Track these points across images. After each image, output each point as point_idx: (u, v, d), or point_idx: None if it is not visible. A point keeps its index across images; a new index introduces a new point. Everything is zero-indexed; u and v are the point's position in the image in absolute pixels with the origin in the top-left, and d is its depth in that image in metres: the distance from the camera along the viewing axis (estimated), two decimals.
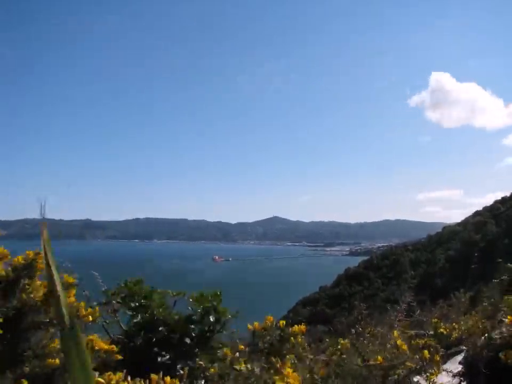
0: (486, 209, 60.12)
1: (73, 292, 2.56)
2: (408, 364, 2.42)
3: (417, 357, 2.48)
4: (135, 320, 3.40)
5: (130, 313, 3.23)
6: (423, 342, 5.93)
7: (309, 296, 62.82)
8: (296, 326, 2.95)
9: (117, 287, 3.27)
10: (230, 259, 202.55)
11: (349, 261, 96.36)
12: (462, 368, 3.60)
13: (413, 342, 5.89)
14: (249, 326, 2.96)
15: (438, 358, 2.49)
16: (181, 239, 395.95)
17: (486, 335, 3.52)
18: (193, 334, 2.91)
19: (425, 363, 2.42)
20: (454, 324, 5.44)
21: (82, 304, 2.59)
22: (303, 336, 2.92)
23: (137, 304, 3.18)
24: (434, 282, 46.54)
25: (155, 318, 3.09)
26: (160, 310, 3.12)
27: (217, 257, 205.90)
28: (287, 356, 2.47)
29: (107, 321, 3.70)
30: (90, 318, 2.56)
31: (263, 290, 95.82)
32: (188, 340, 2.83)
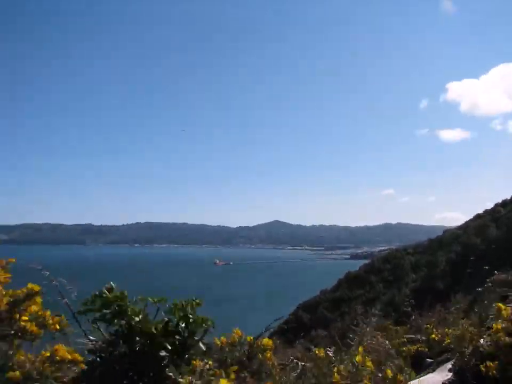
0: (487, 212, 59.93)
1: (39, 300, 2.49)
2: (366, 382, 2.32)
3: (380, 375, 2.37)
4: (114, 328, 3.29)
5: (106, 323, 3.10)
6: (414, 348, 5.84)
7: (309, 299, 62.61)
8: (266, 339, 2.75)
9: (91, 297, 3.12)
10: (231, 263, 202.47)
11: (350, 265, 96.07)
12: (451, 376, 3.51)
13: (404, 348, 5.81)
14: (217, 341, 2.75)
15: (401, 378, 2.38)
16: (181, 243, 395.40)
17: (478, 342, 3.42)
18: (169, 347, 2.75)
19: (387, 382, 2.31)
20: (446, 329, 5.35)
21: (48, 312, 2.50)
22: (271, 351, 2.75)
23: (111, 313, 3.05)
24: (435, 285, 46.30)
25: (131, 327, 2.95)
26: (137, 318, 2.97)
27: (218, 261, 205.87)
28: (231, 367, 2.35)
29: (90, 329, 3.61)
30: (57, 327, 2.47)
31: (264, 293, 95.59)
32: (163, 353, 2.68)
